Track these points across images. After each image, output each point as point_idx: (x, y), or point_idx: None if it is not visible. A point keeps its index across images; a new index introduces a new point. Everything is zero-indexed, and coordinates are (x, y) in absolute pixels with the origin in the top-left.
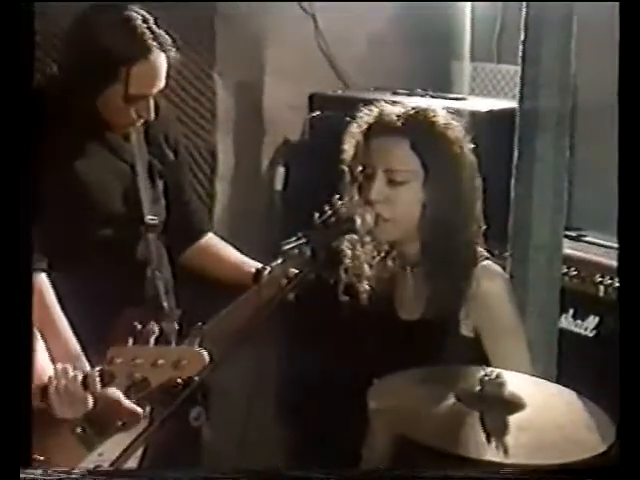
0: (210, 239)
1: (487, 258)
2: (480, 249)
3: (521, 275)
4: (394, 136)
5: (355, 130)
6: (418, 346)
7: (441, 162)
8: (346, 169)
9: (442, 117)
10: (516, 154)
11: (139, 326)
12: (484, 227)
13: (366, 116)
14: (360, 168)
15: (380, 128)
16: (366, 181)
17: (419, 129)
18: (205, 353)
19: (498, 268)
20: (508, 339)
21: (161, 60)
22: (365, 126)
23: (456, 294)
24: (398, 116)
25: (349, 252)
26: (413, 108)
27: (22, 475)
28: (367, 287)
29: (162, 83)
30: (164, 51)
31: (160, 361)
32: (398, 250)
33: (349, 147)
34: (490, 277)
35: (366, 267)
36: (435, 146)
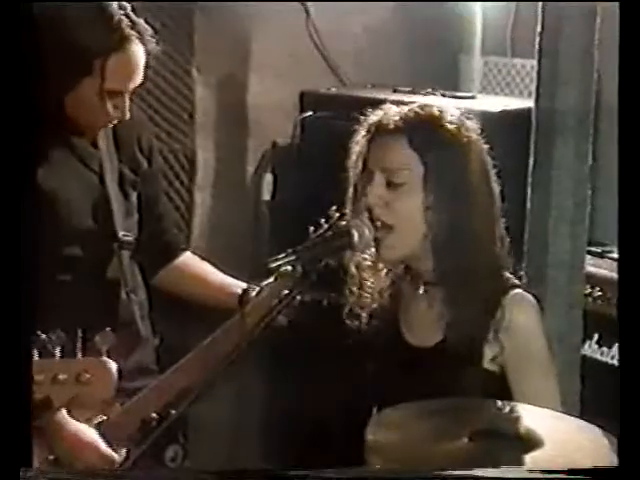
0: (188, 258)
1: (517, 286)
2: (507, 274)
3: (538, 296)
4: (392, 135)
5: (359, 136)
6: (431, 377)
7: (442, 158)
8: (350, 178)
9: (441, 110)
10: (532, 160)
11: (43, 335)
12: (508, 247)
13: (369, 119)
14: (359, 173)
15: (381, 130)
16: (365, 186)
17: (416, 125)
18: (111, 362)
19: (531, 298)
20: (538, 379)
21: (140, 52)
22: (367, 130)
23: (480, 323)
24: (399, 117)
25: (354, 271)
26: (414, 106)
27: (22, 475)
28: (370, 310)
29: (140, 78)
30: (143, 43)
31: (61, 376)
32: (409, 266)
33: (353, 154)
34: (522, 308)
35: (371, 288)
36: (434, 140)
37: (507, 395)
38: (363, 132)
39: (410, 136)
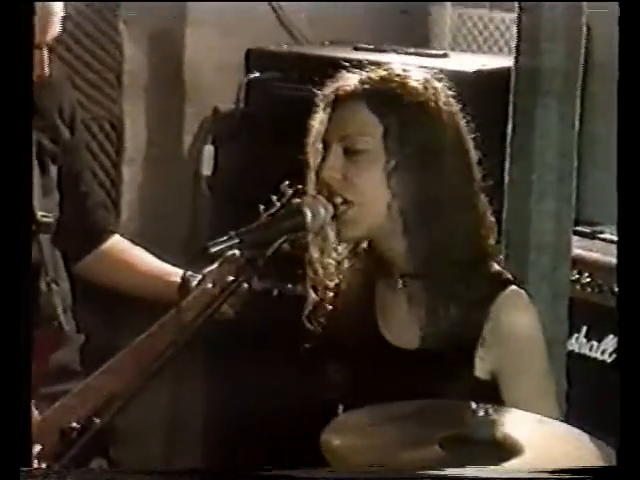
0: (117, 242)
1: (511, 281)
2: (499, 268)
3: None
4: (350, 101)
5: (317, 112)
6: (412, 383)
7: (403, 119)
8: (309, 159)
9: (403, 69)
10: (510, 127)
11: None
12: (495, 232)
13: (325, 91)
14: (318, 150)
15: (339, 100)
16: (322, 160)
17: (375, 87)
18: None
19: (527, 296)
20: (535, 387)
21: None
22: (325, 104)
23: (468, 325)
24: (358, 81)
25: (315, 256)
26: (376, 68)
27: (22, 475)
28: (336, 302)
29: (57, 29)
30: None
31: None
32: (379, 252)
33: (312, 134)
34: (519, 310)
35: (331, 273)
36: (394, 102)
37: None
38: (322, 106)
39: (369, 99)
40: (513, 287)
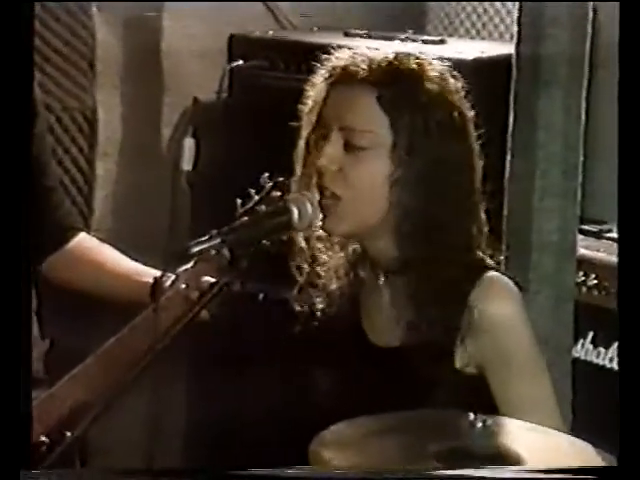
0: (84, 240)
1: (491, 267)
2: (482, 255)
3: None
4: (359, 87)
5: (319, 78)
6: (396, 384)
7: (416, 125)
8: (302, 130)
9: (421, 63)
10: (512, 118)
11: None
12: (486, 228)
13: (334, 61)
14: (312, 125)
15: (346, 77)
16: (318, 143)
17: (389, 79)
18: None
19: (508, 281)
20: (525, 382)
21: None
22: (329, 73)
23: (449, 316)
24: (369, 65)
25: (304, 245)
26: (388, 53)
27: (22, 475)
28: (325, 298)
29: None
30: None
31: None
32: (364, 249)
33: (309, 99)
34: (497, 295)
35: (325, 264)
36: (409, 103)
37: (491, 404)
38: (324, 74)
39: (380, 92)
40: (491, 273)
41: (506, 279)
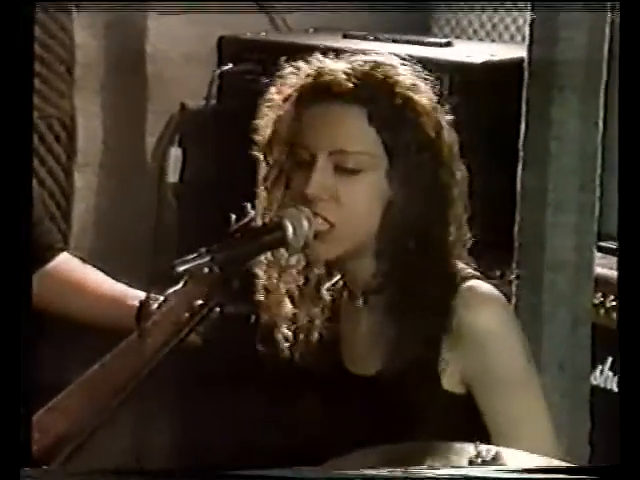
0: (64, 261)
1: (474, 277)
2: (462, 265)
3: (533, 307)
4: (342, 103)
5: (276, 97)
6: (379, 413)
7: (412, 140)
8: (261, 157)
9: (408, 75)
10: (524, 126)
11: None
12: (468, 235)
13: (295, 76)
14: (282, 152)
15: (320, 92)
16: (300, 170)
17: (379, 94)
18: None
19: (491, 289)
20: (514, 394)
21: None
22: (294, 91)
23: (430, 332)
24: (347, 74)
25: (262, 278)
26: (367, 62)
27: (22, 475)
28: (289, 331)
29: None
30: None
31: None
32: (343, 272)
33: (266, 123)
34: (480, 302)
35: (287, 300)
36: (403, 118)
37: (482, 427)
38: (285, 94)
39: (370, 109)
40: (472, 281)
41: (488, 286)
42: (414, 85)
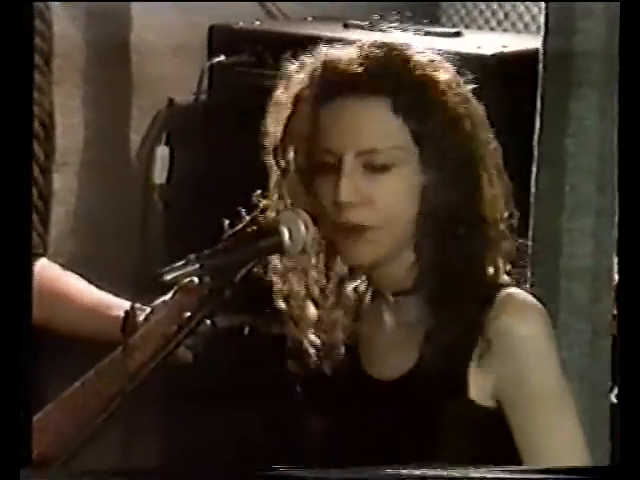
0: (43, 269)
1: (510, 284)
2: (502, 267)
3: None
4: (361, 96)
5: (283, 98)
6: (400, 421)
7: (437, 125)
8: (272, 162)
9: (424, 52)
10: (538, 123)
11: None
12: (507, 213)
13: (301, 72)
14: (300, 153)
15: (333, 86)
16: (324, 175)
17: (398, 79)
18: None
19: (531, 299)
20: (549, 410)
21: None
22: (302, 89)
23: (464, 336)
24: (359, 63)
25: (279, 284)
26: (377, 46)
27: (22, 475)
28: (314, 338)
29: None
30: None
31: None
32: (372, 271)
33: (275, 126)
34: (519, 311)
35: (310, 304)
36: (425, 100)
37: (510, 444)
38: (296, 90)
39: (394, 99)
40: (511, 289)
41: (527, 295)
42: (432, 61)
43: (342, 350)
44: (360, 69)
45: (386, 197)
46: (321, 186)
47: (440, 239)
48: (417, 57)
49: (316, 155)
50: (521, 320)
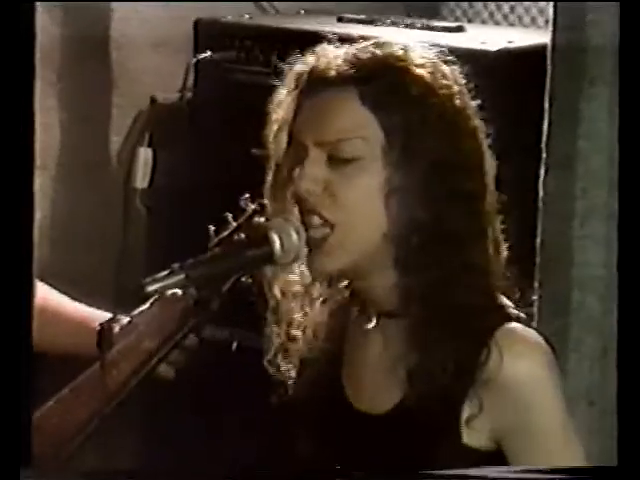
0: None
1: (513, 317)
2: (502, 298)
3: (558, 332)
4: (334, 89)
5: (281, 94)
6: (384, 459)
7: (409, 119)
8: (271, 158)
9: (405, 49)
10: (547, 123)
11: None
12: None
13: (296, 69)
14: (284, 149)
15: (316, 83)
16: (293, 167)
17: (370, 71)
18: None
19: (535, 336)
20: (552, 457)
21: None
22: (294, 84)
23: (457, 373)
24: (343, 59)
25: (279, 298)
26: (370, 44)
27: (22, 475)
28: (301, 358)
29: None
30: None
31: None
32: (356, 287)
33: (274, 123)
34: (520, 352)
35: (302, 325)
36: (397, 93)
37: None
38: (287, 88)
39: (362, 88)
40: (514, 324)
41: (529, 331)
42: (410, 53)
43: (318, 374)
44: (340, 63)
45: (348, 191)
46: (288, 179)
47: (420, 257)
48: (394, 49)
49: (294, 149)
50: (522, 362)
